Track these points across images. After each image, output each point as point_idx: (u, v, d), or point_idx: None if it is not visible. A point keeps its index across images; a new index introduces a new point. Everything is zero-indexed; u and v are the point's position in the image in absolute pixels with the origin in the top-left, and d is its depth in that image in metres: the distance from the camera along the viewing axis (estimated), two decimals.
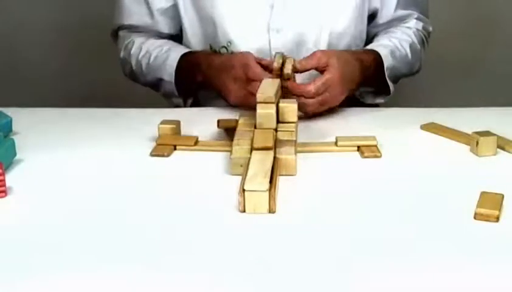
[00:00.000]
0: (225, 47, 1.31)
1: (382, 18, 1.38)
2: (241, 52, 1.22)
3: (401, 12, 1.38)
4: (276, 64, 1.13)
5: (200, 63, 1.26)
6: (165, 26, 1.38)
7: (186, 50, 1.31)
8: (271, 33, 1.29)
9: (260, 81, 1.10)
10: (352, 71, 1.18)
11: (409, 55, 1.34)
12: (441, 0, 1.99)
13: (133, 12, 1.39)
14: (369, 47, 1.30)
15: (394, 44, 1.32)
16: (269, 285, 0.66)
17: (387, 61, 1.26)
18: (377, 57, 1.26)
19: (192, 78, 1.26)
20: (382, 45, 1.30)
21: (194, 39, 1.35)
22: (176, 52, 1.30)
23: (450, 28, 2.12)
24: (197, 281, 0.67)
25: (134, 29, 1.40)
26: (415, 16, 1.39)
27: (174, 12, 1.36)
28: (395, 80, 1.33)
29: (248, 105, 1.16)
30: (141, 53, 1.35)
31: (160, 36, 1.39)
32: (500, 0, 2.16)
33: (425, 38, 1.42)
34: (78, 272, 0.68)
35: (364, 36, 1.38)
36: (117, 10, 1.41)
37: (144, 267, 0.69)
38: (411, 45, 1.35)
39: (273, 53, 1.29)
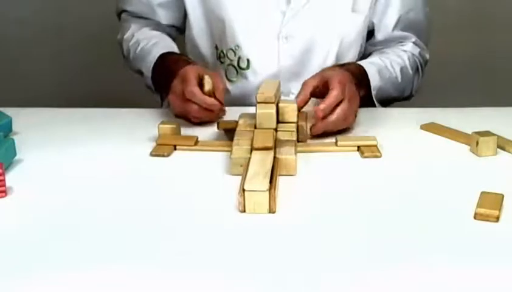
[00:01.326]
0: (233, 50, 1.31)
1: (379, 36, 1.35)
2: (193, 66, 1.16)
3: (399, 33, 1.36)
4: (207, 87, 1.10)
5: (171, 66, 1.21)
6: (164, 18, 1.38)
7: (168, 49, 1.28)
8: (281, 40, 1.29)
9: (195, 101, 1.09)
10: (343, 72, 1.14)
11: (399, 77, 1.31)
12: None
13: (136, 2, 1.38)
14: (357, 61, 1.29)
15: (385, 64, 1.29)
16: (269, 284, 0.66)
17: (374, 80, 1.24)
18: (364, 72, 1.24)
19: (164, 79, 1.22)
20: (370, 62, 1.28)
21: (200, 37, 1.35)
22: (158, 49, 1.28)
23: (450, 28, 2.12)
24: (197, 281, 0.67)
25: (134, 14, 1.40)
26: (413, 39, 1.37)
27: (177, 4, 1.35)
28: (383, 101, 1.30)
29: (187, 121, 1.15)
30: (132, 41, 1.35)
31: (160, 25, 1.38)
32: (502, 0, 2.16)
33: (420, 65, 1.38)
34: (78, 271, 0.68)
35: (363, 49, 1.37)
36: None
37: (144, 267, 0.69)
38: (402, 69, 1.32)
39: (281, 61, 1.29)
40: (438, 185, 0.90)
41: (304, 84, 1.10)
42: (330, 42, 1.30)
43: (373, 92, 1.25)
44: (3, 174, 0.86)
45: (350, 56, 1.33)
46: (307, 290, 0.65)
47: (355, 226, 0.78)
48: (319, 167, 0.97)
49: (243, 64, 1.31)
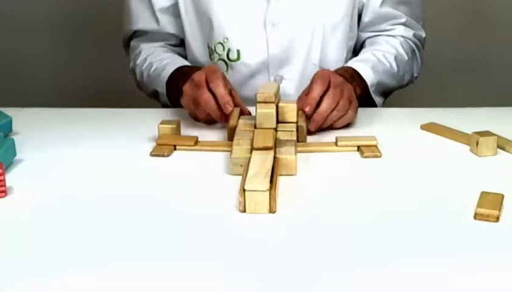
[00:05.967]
0: (221, 44, 1.30)
1: (367, 15, 1.34)
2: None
3: (388, 10, 1.34)
4: (232, 122, 1.05)
5: (186, 72, 1.20)
6: (169, 26, 1.37)
7: (183, 63, 1.29)
8: (268, 28, 1.29)
9: (214, 92, 1.07)
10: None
11: (395, 67, 1.30)
12: None
13: (140, 16, 1.38)
14: (349, 63, 1.27)
15: (377, 58, 1.28)
16: (269, 284, 0.66)
17: (369, 78, 1.24)
18: (355, 72, 1.23)
19: (181, 85, 1.18)
20: (361, 60, 1.27)
21: (194, 40, 1.35)
22: (172, 65, 1.28)
23: (451, 27, 2.12)
24: (197, 280, 0.67)
25: (143, 35, 1.40)
26: (403, 20, 1.34)
27: (176, 10, 1.35)
28: (383, 94, 1.31)
29: (192, 112, 1.14)
30: (145, 64, 1.35)
31: (169, 40, 1.38)
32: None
33: (416, 46, 1.37)
34: (78, 271, 0.68)
35: (355, 33, 1.36)
36: (125, 17, 1.41)
37: (144, 267, 0.69)
38: (396, 57, 1.31)
39: (270, 48, 1.29)
40: (438, 185, 0.90)
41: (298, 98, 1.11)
42: (314, 25, 1.30)
43: (371, 89, 1.25)
44: (3, 174, 0.86)
45: (337, 39, 1.32)
46: (308, 290, 0.65)
47: (355, 226, 0.78)
48: (319, 167, 0.97)
49: (233, 56, 1.31)
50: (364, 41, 1.37)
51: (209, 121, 1.14)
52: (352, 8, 1.32)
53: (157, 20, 1.37)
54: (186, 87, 1.13)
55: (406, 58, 1.33)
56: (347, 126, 1.12)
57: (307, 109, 1.05)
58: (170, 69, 1.27)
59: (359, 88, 1.21)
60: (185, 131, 1.11)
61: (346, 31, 1.33)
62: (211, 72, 1.11)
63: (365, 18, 1.35)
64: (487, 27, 2.18)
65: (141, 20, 1.38)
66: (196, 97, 1.10)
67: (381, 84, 1.27)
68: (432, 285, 0.65)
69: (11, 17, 2.19)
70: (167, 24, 1.37)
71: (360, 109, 1.17)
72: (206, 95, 1.09)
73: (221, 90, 1.08)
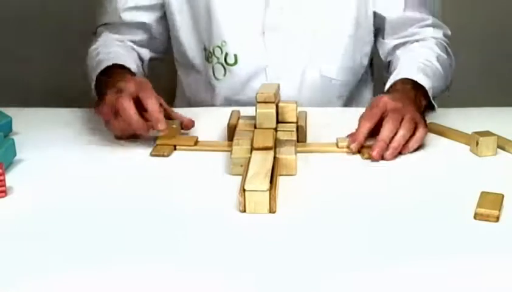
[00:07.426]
0: (220, 47, 1.30)
1: (391, 21, 1.28)
2: (131, 81, 1.05)
3: (411, 14, 1.28)
4: (232, 122, 1.04)
5: (111, 79, 1.12)
6: (141, 20, 1.33)
7: (119, 62, 1.19)
8: (266, 33, 1.27)
9: (144, 103, 0.99)
10: (399, 98, 1.07)
11: (440, 69, 1.22)
12: None
13: (107, 11, 1.35)
14: (397, 75, 1.16)
15: (423, 63, 1.19)
16: (269, 284, 0.66)
17: (427, 84, 1.14)
18: (413, 83, 1.14)
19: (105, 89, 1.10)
20: (411, 69, 1.17)
21: (188, 38, 1.33)
22: (108, 61, 1.19)
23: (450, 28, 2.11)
24: (197, 280, 0.67)
25: (107, 26, 1.36)
26: (429, 21, 1.29)
27: (156, 7, 1.32)
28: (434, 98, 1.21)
29: (108, 122, 1.04)
30: (94, 53, 1.28)
31: (136, 34, 1.34)
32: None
33: (448, 46, 1.30)
34: (78, 271, 0.69)
35: (370, 38, 1.32)
36: (97, 10, 1.38)
37: (143, 267, 0.69)
38: (438, 58, 1.23)
39: (268, 54, 1.27)
40: (438, 185, 0.90)
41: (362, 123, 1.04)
42: (314, 30, 1.28)
43: (429, 92, 1.14)
44: (3, 174, 0.86)
45: (343, 45, 1.29)
46: (308, 290, 0.65)
47: (355, 226, 0.78)
48: (319, 167, 0.97)
49: (230, 60, 1.30)
50: (393, 49, 1.31)
51: (124, 135, 1.05)
52: (357, 12, 1.28)
53: (126, 16, 1.32)
54: (108, 95, 1.03)
55: (445, 56, 1.27)
56: (347, 126, 1.11)
57: (374, 154, 0.97)
58: (105, 64, 1.18)
59: (423, 99, 1.13)
60: (185, 131, 1.11)
61: (352, 36, 1.29)
62: (140, 83, 1.03)
63: (388, 25, 1.29)
64: (490, 27, 2.17)
65: (108, 15, 1.34)
66: (116, 104, 0.99)
67: (435, 88, 1.17)
68: (432, 285, 0.65)
69: (11, 17, 2.19)
70: (139, 18, 1.32)
71: (360, 110, 1.17)
72: (127, 103, 0.98)
73: (152, 103, 0.99)
